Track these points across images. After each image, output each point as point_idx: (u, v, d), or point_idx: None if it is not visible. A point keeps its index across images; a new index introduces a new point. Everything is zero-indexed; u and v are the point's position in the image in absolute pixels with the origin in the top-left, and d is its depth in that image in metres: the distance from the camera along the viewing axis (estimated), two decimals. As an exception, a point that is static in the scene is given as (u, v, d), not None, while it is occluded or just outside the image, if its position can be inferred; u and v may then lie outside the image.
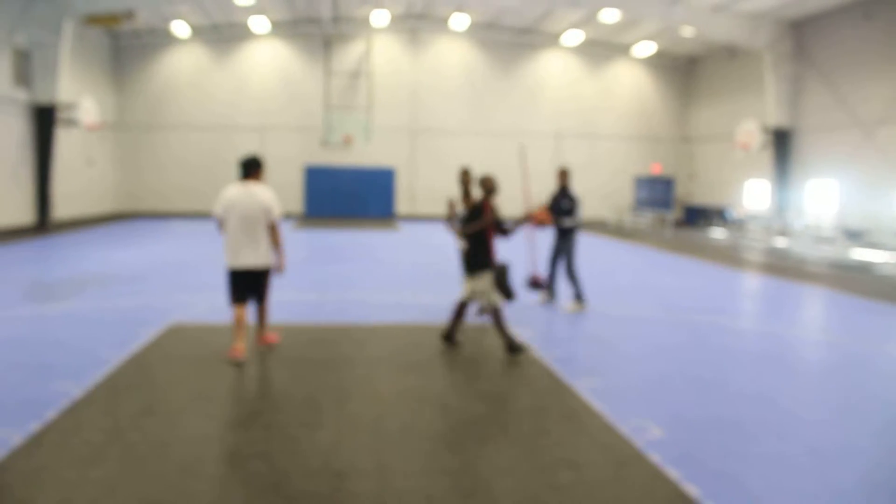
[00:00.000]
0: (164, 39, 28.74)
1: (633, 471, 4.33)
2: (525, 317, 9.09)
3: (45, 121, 21.57)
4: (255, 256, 6.76)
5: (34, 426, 4.76)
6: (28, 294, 9.98)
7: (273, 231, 6.81)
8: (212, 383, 6.01)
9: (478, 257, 7.18)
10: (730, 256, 17.77)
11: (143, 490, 3.90)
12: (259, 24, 28.04)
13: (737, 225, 23.78)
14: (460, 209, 8.30)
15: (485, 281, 7.14)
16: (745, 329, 8.95)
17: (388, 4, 27.32)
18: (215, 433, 4.81)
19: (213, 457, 4.40)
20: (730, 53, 28.29)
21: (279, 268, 6.96)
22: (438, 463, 4.40)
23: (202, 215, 28.13)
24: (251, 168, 6.82)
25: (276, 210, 6.80)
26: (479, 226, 7.12)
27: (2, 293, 10.04)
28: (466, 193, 8.71)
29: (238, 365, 6.52)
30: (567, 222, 9.98)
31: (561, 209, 10.02)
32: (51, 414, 5.01)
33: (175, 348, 7.09)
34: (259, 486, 4.00)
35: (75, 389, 5.59)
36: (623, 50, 30.97)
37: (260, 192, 6.74)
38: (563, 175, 10.40)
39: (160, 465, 4.22)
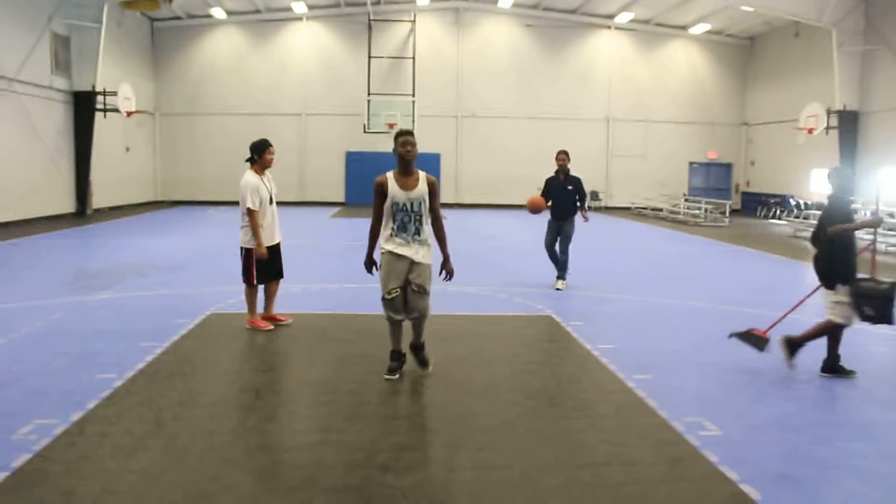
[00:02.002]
0: (202, 24, 28.92)
1: (689, 470, 4.12)
2: (569, 307, 8.86)
3: (84, 108, 21.96)
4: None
5: (76, 415, 4.77)
6: (69, 283, 10.14)
7: (248, 216, 7.14)
8: (252, 374, 5.99)
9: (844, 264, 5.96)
10: (792, 247, 17.19)
11: (184, 481, 3.86)
12: (299, 6, 28.02)
13: (800, 213, 22.98)
14: None
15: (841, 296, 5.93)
16: (808, 324, 8.56)
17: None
18: (256, 424, 4.75)
19: (254, 448, 4.34)
20: (793, 31, 27.26)
21: (259, 253, 7.20)
22: (485, 457, 4.26)
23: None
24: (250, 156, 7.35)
25: (245, 196, 7.08)
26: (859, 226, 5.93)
27: (43, 282, 10.22)
28: (407, 167, 5.66)
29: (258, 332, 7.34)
30: (572, 208, 10.14)
31: (569, 195, 10.06)
32: (92, 403, 5.02)
33: (214, 338, 7.10)
34: (301, 478, 3.92)
35: (116, 379, 5.61)
36: (678, 30, 30.17)
37: (242, 180, 7.18)
38: (564, 157, 10.20)
39: (201, 456, 4.17)
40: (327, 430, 4.64)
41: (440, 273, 5.72)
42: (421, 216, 5.59)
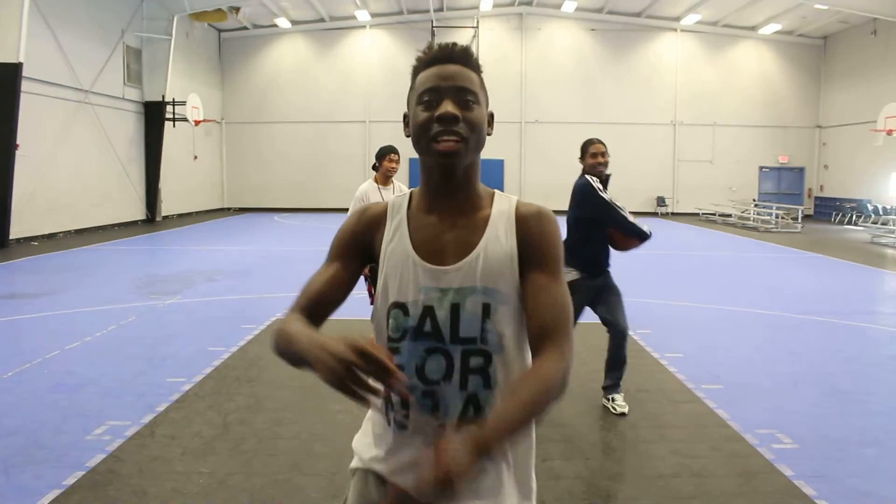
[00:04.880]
0: (267, 33, 29.44)
1: (763, 484, 3.97)
2: (636, 315, 8.69)
3: (154, 118, 22.66)
4: None
5: (148, 417, 4.89)
6: (140, 288, 10.41)
7: None
8: (317, 380, 5.90)
9: None
10: (870, 253, 16.53)
11: (251, 485, 3.90)
12: (363, 14, 28.32)
13: (878, 219, 22.09)
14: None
15: None
16: (888, 334, 8.20)
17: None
18: (322, 431, 4.77)
19: (319, 454, 4.35)
20: (870, 29, 26.24)
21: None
22: (552, 467, 4.18)
23: (306, 211, 28.73)
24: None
25: (351, 205, 6.19)
26: None
27: (116, 287, 10.50)
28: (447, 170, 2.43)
29: None
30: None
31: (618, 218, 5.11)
32: (163, 406, 5.14)
33: (281, 344, 7.15)
34: (362, 486, 3.91)
35: (185, 382, 5.73)
36: (747, 31, 29.39)
37: None
38: (601, 150, 5.36)
39: (266, 461, 4.21)
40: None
41: None
42: (491, 355, 1.53)
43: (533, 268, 1.53)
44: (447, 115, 1.49)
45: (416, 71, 1.60)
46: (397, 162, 6.42)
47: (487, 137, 1.56)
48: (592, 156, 5.34)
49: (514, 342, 1.55)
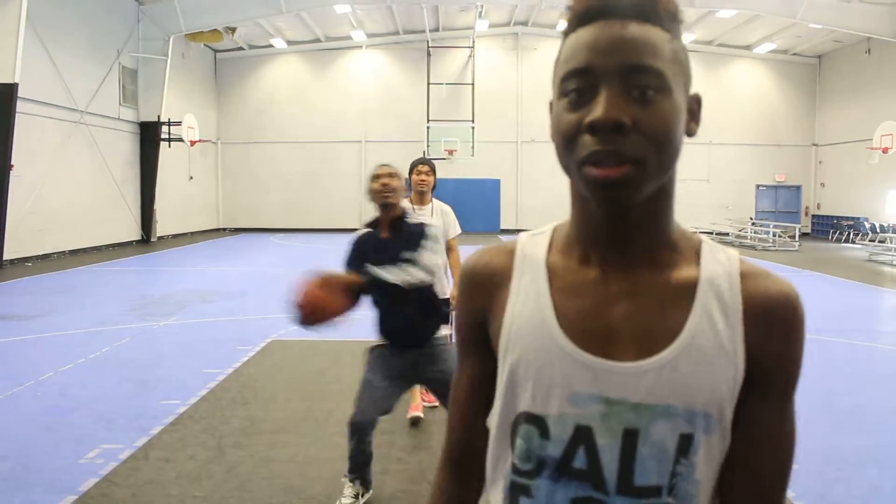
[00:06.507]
0: (263, 54, 29.51)
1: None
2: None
3: (149, 138, 22.66)
4: None
5: (141, 440, 4.82)
6: (134, 309, 10.33)
7: None
8: (312, 402, 5.95)
9: None
10: (868, 271, 16.52)
11: (244, 510, 3.84)
12: (358, 35, 28.38)
13: (875, 236, 22.11)
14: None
15: None
16: (887, 352, 8.17)
17: (490, 13, 26.96)
18: (317, 453, 4.71)
19: (315, 477, 4.29)
20: (864, 48, 26.43)
21: None
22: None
23: (302, 231, 28.67)
24: None
25: None
26: None
27: (110, 308, 10.43)
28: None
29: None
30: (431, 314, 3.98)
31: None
32: (157, 429, 5.07)
33: (276, 366, 7.11)
34: (359, 510, 3.85)
35: (180, 405, 5.66)
36: (742, 50, 29.57)
37: None
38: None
39: (263, 485, 4.16)
40: (388, 459, 4.57)
41: None
42: None
43: (766, 393, 0.93)
44: (603, 124, 0.85)
45: (568, 30, 0.94)
46: (427, 174, 5.31)
47: (656, 142, 0.88)
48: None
49: (706, 494, 0.94)
